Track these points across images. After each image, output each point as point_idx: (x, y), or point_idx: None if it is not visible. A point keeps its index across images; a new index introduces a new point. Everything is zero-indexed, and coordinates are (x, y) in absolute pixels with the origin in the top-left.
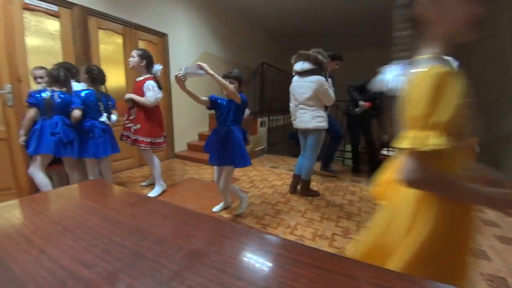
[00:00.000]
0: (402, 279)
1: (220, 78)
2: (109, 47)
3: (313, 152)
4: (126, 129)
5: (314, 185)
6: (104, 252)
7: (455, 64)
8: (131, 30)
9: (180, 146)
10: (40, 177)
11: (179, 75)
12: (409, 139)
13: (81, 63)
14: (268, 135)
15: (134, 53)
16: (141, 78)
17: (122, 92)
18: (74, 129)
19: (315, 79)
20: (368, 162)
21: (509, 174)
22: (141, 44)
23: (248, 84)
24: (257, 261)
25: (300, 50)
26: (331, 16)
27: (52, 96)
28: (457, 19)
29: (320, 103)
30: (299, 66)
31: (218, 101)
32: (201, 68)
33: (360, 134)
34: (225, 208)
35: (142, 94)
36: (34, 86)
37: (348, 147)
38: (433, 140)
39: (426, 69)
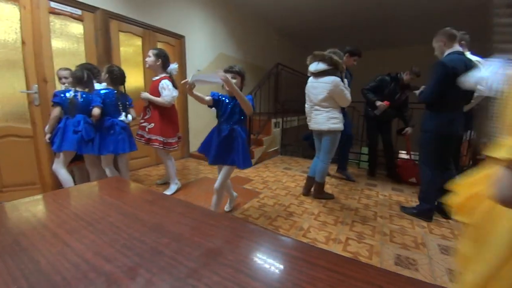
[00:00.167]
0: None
1: (239, 91)
2: (129, 49)
3: (328, 154)
4: (141, 128)
5: (328, 188)
6: (124, 247)
7: None
8: (150, 33)
9: (195, 145)
10: (63, 174)
11: (188, 82)
12: (507, 148)
13: (103, 65)
14: (282, 136)
15: (151, 52)
16: (157, 78)
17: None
18: (95, 127)
19: (330, 80)
20: (386, 165)
21: None
22: (159, 46)
23: (262, 85)
24: (273, 262)
25: (315, 51)
26: (348, 14)
27: (75, 96)
28: None
29: (336, 104)
30: (314, 67)
31: (220, 98)
32: (224, 80)
33: (379, 136)
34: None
35: (158, 93)
36: (59, 87)
37: (364, 150)
38: None
39: None
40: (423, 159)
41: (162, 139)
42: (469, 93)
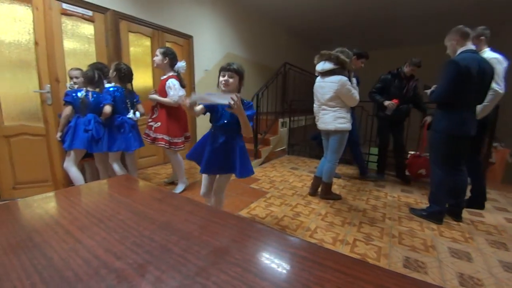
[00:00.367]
0: None
1: (245, 116)
2: (138, 49)
3: (335, 154)
4: (148, 128)
5: (335, 189)
6: (134, 245)
7: None
8: (158, 33)
9: None
10: (73, 171)
11: (188, 102)
12: None
13: None
14: (289, 136)
15: (158, 51)
16: (164, 77)
17: (149, 93)
18: (104, 125)
19: (337, 79)
20: (395, 166)
21: None
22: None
23: (270, 84)
24: (280, 262)
25: (322, 50)
26: (357, 12)
27: (86, 95)
28: None
29: (343, 104)
30: (321, 66)
31: None
32: (234, 107)
33: (390, 137)
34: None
35: (166, 92)
36: (66, 87)
37: (373, 150)
38: None
39: None
40: (434, 160)
41: (168, 139)
42: (482, 93)
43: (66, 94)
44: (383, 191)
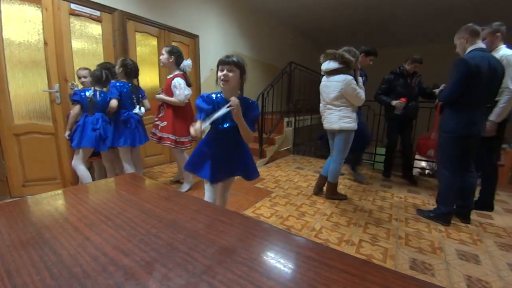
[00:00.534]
0: None
1: (243, 121)
2: (145, 49)
3: (340, 154)
4: (155, 127)
5: (341, 189)
6: (141, 242)
7: None
8: (165, 33)
9: None
10: (81, 169)
11: (199, 132)
12: None
13: None
14: (294, 136)
15: (164, 50)
16: (170, 76)
17: (156, 92)
18: (110, 119)
19: (341, 79)
20: (402, 166)
21: None
22: None
23: (275, 83)
24: (287, 262)
25: (328, 49)
26: (361, 11)
27: (94, 94)
28: None
29: (348, 103)
30: (326, 65)
31: (215, 102)
32: (233, 109)
33: (398, 137)
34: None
35: (171, 91)
36: (79, 86)
37: (379, 150)
38: None
39: None
40: (442, 161)
41: (174, 138)
42: (492, 92)
43: (75, 93)
44: (390, 192)
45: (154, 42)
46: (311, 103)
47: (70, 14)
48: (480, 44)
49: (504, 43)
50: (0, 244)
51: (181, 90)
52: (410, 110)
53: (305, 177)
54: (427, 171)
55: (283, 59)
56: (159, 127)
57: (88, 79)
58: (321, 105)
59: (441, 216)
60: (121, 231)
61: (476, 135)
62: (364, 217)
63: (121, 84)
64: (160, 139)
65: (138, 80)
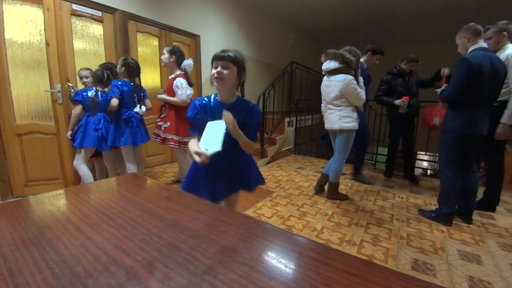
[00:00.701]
0: None
1: (242, 134)
2: (146, 49)
3: (341, 154)
4: (157, 127)
5: (342, 189)
6: (143, 242)
7: None
8: (166, 33)
9: None
10: (83, 169)
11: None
12: None
13: None
14: (296, 135)
15: (165, 49)
16: (172, 76)
17: (157, 92)
18: (111, 118)
19: (342, 78)
20: (404, 166)
21: None
22: None
23: (276, 83)
24: (288, 262)
25: (329, 49)
26: (362, 11)
27: (96, 95)
28: None
29: (349, 103)
30: (326, 65)
31: (211, 108)
32: (228, 125)
33: (400, 137)
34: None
35: (173, 92)
36: (81, 86)
37: (381, 150)
38: None
39: None
40: (444, 161)
41: (177, 138)
42: (494, 92)
43: (76, 94)
44: (391, 192)
45: (155, 42)
46: (312, 103)
47: (72, 14)
48: (482, 44)
49: (511, 42)
50: (2, 244)
51: (183, 90)
52: (412, 108)
53: (306, 177)
54: (429, 172)
55: (284, 59)
56: (162, 128)
57: (90, 79)
58: (322, 104)
59: (443, 216)
60: (122, 230)
61: (478, 135)
62: (365, 217)
63: (123, 83)
64: (164, 140)
65: (140, 79)
